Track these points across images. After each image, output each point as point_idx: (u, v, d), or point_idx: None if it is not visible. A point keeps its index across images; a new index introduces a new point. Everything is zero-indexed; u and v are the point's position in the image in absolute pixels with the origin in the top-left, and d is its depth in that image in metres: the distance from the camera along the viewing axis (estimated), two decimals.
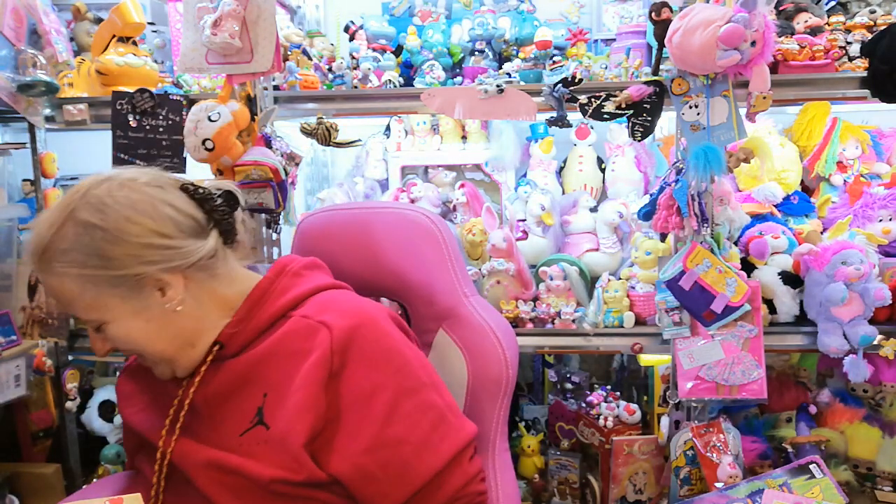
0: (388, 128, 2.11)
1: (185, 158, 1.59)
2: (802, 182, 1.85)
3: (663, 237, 1.61)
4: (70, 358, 1.79)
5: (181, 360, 1.00)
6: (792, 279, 1.59)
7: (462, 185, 1.92)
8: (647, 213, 1.58)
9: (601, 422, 1.74)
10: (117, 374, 2.00)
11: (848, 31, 1.62)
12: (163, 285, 0.95)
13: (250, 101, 1.53)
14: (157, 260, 0.93)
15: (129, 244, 0.91)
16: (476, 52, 1.90)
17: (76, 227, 0.91)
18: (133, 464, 1.13)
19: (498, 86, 1.55)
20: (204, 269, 0.98)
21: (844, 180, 1.78)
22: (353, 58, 1.81)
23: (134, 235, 0.91)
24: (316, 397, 0.93)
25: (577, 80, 1.53)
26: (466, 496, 0.97)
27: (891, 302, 1.50)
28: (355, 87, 1.72)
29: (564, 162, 2.04)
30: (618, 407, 1.75)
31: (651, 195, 1.58)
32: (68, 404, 1.75)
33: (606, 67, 1.65)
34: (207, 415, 0.99)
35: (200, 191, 1.00)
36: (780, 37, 1.57)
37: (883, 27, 1.53)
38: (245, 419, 0.96)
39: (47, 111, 1.72)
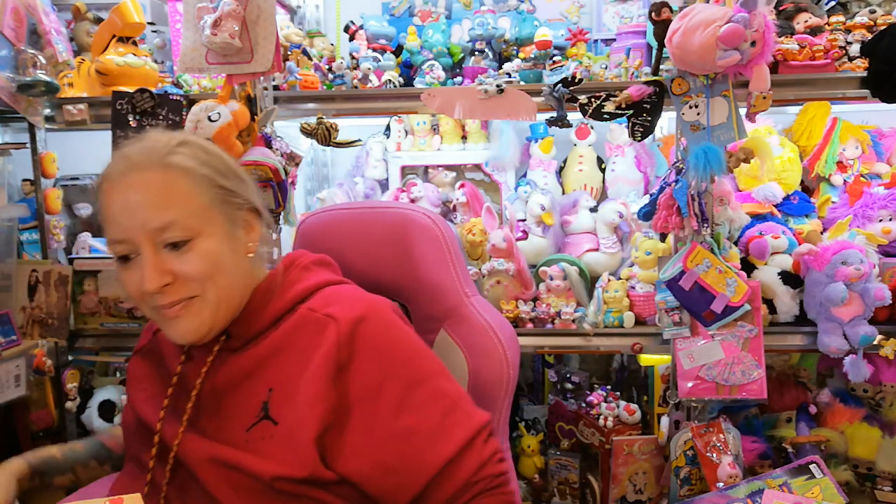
0: (388, 128, 2.11)
1: None
2: (802, 182, 1.85)
3: (663, 237, 1.61)
4: (70, 358, 1.80)
5: (214, 313, 0.96)
6: (792, 279, 1.60)
7: (462, 185, 1.92)
8: (647, 213, 1.58)
9: (601, 422, 1.74)
10: (117, 374, 2.00)
11: (848, 31, 1.62)
12: (249, 225, 1.01)
13: (250, 101, 1.53)
14: (250, 194, 1.01)
15: (234, 172, 1.01)
16: (476, 52, 1.90)
17: (192, 147, 0.97)
18: (130, 449, 1.11)
19: (498, 86, 1.55)
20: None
21: (844, 180, 1.78)
22: (353, 58, 1.81)
23: (238, 169, 1.02)
24: (326, 391, 0.93)
25: (577, 80, 1.53)
26: (483, 479, 0.96)
27: (891, 302, 1.51)
28: (355, 87, 1.72)
29: (564, 162, 2.04)
30: (618, 407, 1.75)
31: (651, 195, 1.58)
32: (68, 404, 1.75)
33: (606, 67, 1.65)
34: (212, 408, 0.99)
35: None
36: (780, 37, 1.57)
37: (883, 27, 1.53)
38: (250, 414, 0.96)
39: (47, 111, 1.72)
